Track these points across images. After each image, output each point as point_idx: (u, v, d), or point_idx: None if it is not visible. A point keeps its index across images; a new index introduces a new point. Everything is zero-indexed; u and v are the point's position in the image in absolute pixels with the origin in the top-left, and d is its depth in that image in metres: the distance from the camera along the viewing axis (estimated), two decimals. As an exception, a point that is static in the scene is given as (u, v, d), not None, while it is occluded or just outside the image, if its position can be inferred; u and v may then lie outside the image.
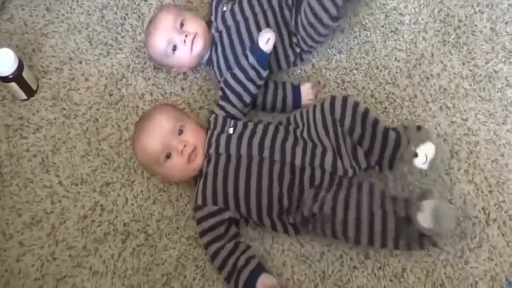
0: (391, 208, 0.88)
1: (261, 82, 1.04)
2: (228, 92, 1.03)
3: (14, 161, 1.09)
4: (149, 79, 1.16)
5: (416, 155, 0.89)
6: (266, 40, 1.00)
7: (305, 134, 0.97)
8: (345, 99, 0.92)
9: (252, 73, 1.01)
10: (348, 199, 0.89)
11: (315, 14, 1.01)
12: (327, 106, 0.93)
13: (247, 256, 0.93)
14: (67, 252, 1.01)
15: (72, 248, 1.01)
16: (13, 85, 1.11)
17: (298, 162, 0.94)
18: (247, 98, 1.03)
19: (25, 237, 1.02)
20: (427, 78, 1.12)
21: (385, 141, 0.91)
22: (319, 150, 0.95)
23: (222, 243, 0.94)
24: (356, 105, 0.92)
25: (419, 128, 0.93)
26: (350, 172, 0.94)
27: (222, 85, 1.04)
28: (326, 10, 0.99)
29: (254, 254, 0.95)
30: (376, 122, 0.91)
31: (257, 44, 1.00)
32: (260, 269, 0.92)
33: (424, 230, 0.85)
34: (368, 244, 0.88)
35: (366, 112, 0.91)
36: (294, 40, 1.09)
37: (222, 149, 0.97)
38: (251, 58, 1.01)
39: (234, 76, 1.03)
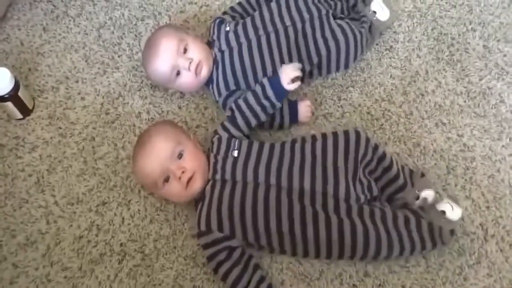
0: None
1: (273, 111, 1.02)
2: (237, 115, 1.00)
3: (9, 181, 1.08)
4: (145, 97, 1.16)
5: (418, 197, 0.95)
6: (291, 78, 0.97)
7: (318, 155, 0.96)
8: (368, 139, 0.98)
9: (266, 103, 1.00)
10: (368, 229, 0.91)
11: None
12: (352, 140, 0.96)
13: (256, 280, 0.91)
14: (62, 274, 0.99)
15: (68, 269, 1.00)
16: (9, 104, 1.10)
17: (307, 185, 0.93)
18: (254, 123, 1.02)
19: (20, 258, 1.01)
20: (422, 95, 1.13)
21: (394, 181, 0.98)
22: (330, 175, 0.94)
23: (228, 267, 0.92)
24: (376, 147, 0.98)
25: (422, 175, 1.00)
26: (363, 198, 0.94)
27: (233, 107, 1.01)
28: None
29: (262, 276, 0.93)
30: (391, 165, 0.98)
31: (279, 78, 0.97)
32: None
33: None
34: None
35: (383, 155, 0.99)
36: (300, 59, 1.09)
37: (228, 175, 0.95)
38: (270, 92, 0.98)
39: (247, 102, 1.00)
